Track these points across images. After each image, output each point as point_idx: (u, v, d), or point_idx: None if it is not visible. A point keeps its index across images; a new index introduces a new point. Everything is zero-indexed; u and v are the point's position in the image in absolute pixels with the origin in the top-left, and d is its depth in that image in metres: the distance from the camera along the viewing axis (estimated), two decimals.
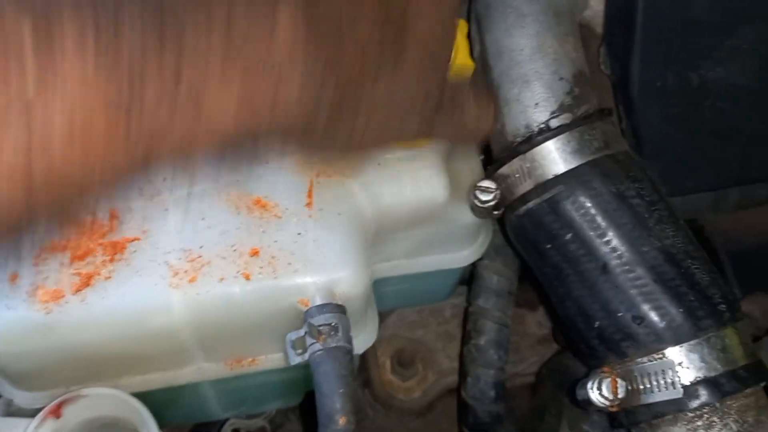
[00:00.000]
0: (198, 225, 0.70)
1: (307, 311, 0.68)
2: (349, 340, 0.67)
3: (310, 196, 0.72)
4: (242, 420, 0.97)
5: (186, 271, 0.68)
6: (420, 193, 0.74)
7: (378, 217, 0.75)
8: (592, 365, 0.69)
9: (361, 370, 1.06)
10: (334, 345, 0.65)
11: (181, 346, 0.71)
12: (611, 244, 0.66)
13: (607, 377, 0.65)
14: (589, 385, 0.66)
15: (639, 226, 0.66)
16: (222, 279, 0.68)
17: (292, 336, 0.68)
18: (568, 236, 0.68)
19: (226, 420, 0.97)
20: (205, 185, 0.72)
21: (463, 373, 0.92)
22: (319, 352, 0.65)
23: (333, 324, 0.66)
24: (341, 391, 0.64)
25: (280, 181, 0.73)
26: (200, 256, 0.68)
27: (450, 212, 0.78)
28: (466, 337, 0.92)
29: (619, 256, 0.66)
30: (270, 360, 0.78)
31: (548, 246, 0.69)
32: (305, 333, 0.67)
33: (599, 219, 0.67)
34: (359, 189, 0.73)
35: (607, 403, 0.65)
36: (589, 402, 0.67)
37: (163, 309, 0.67)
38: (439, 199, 0.75)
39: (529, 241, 0.71)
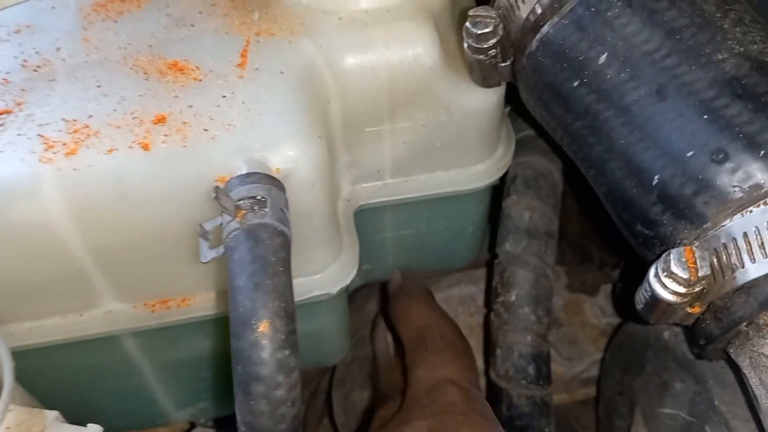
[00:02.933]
0: (90, 93, 0.51)
1: (226, 184, 0.47)
2: (284, 221, 0.45)
3: (244, 55, 0.53)
4: (209, 430, 0.74)
5: (64, 144, 0.49)
6: (398, 53, 0.54)
7: (342, 87, 0.55)
8: (657, 254, 0.45)
9: (371, 377, 0.83)
10: (257, 222, 0.44)
11: (69, 262, 0.51)
12: (668, 57, 0.44)
13: (675, 250, 0.42)
14: (652, 274, 0.43)
15: (708, 28, 0.44)
16: (111, 151, 0.48)
17: (208, 225, 0.47)
18: (603, 58, 0.46)
19: (191, 428, 0.75)
20: (106, 52, 0.54)
21: (490, 346, 0.68)
22: (234, 233, 0.44)
23: (259, 197, 0.45)
24: (263, 282, 0.42)
25: (207, 42, 0.54)
26: (86, 126, 0.50)
27: (449, 92, 0.57)
28: (492, 295, 0.69)
29: (681, 73, 0.44)
30: (209, 301, 0.57)
31: (576, 84, 0.48)
32: (222, 213, 0.46)
33: (646, 24, 0.45)
34: (312, 47, 0.54)
35: (683, 288, 0.41)
36: (654, 302, 0.43)
37: (28, 190, 0.48)
38: (425, 63, 0.55)
39: (549, 88, 0.50)
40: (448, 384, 0.55)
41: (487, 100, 0.59)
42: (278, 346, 0.40)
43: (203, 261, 0.46)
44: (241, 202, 0.45)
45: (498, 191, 0.72)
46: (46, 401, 0.57)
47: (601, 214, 0.91)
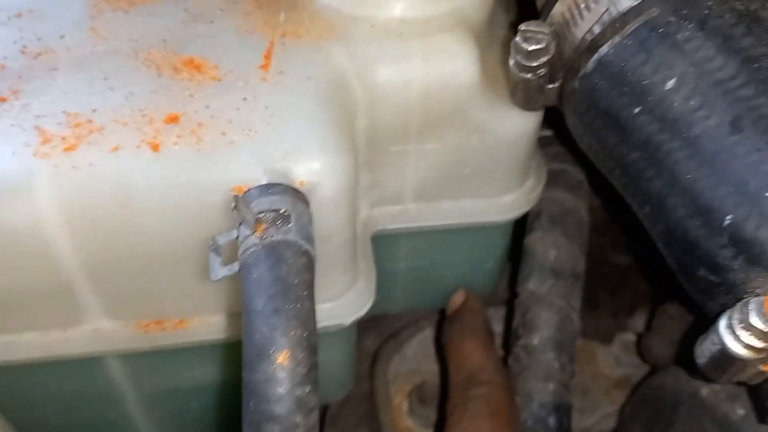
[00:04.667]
0: (95, 86, 0.46)
1: (244, 194, 0.42)
2: (308, 239, 0.40)
3: (267, 57, 0.48)
4: None
5: (63, 138, 0.44)
6: (435, 68, 0.50)
7: (372, 100, 0.50)
8: (721, 304, 0.41)
9: (366, 416, 0.77)
10: (279, 238, 0.39)
11: (56, 272, 0.46)
12: (744, 87, 0.40)
13: (755, 300, 0.37)
14: (723, 325, 0.38)
15: None
16: (116, 149, 0.43)
17: (220, 239, 0.42)
18: (671, 84, 0.42)
19: None
20: (116, 44, 0.49)
21: None
22: (253, 249, 0.39)
23: (282, 211, 0.40)
24: (284, 307, 0.37)
25: (228, 41, 0.50)
26: (90, 121, 0.44)
27: (484, 113, 0.53)
28: (512, 337, 0.64)
29: (759, 105, 0.40)
30: (209, 325, 0.51)
31: (636, 110, 0.43)
32: (239, 226, 0.41)
33: (721, 50, 0.41)
34: (342, 54, 0.49)
35: (761, 343, 0.36)
36: (723, 356, 0.38)
37: (18, 187, 0.42)
38: (464, 80, 0.51)
39: (604, 114, 0.45)
40: None
41: (524, 125, 0.54)
42: (298, 382, 0.35)
43: (213, 279, 0.40)
44: (262, 215, 0.40)
45: (518, 226, 0.67)
46: (13, 424, 0.51)
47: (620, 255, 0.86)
